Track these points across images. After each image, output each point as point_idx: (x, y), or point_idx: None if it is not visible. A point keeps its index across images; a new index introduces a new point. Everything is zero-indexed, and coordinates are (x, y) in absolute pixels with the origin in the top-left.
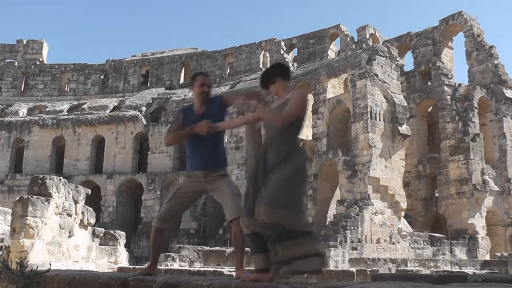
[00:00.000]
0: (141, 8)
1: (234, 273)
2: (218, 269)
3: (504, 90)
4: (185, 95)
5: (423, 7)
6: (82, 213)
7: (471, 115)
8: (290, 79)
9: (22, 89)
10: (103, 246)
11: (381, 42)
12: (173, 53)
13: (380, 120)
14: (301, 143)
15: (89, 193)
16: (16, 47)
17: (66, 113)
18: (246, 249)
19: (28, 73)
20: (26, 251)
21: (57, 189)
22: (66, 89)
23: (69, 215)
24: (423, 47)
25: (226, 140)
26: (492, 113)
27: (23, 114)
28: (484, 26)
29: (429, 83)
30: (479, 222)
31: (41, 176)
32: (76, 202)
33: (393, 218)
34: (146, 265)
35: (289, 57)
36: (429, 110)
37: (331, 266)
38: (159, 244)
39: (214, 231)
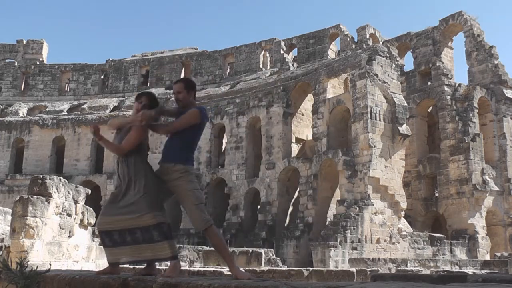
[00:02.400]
0: (141, 8)
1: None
2: (218, 269)
3: (504, 90)
4: None
5: (423, 7)
6: (82, 213)
7: (471, 115)
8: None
9: (22, 89)
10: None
11: (381, 42)
12: (173, 53)
13: (380, 120)
14: (301, 143)
15: (89, 193)
16: (16, 47)
17: (66, 113)
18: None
19: (28, 73)
20: (26, 251)
21: (57, 189)
22: (66, 89)
23: (69, 215)
24: (423, 47)
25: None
26: (492, 113)
27: (23, 114)
28: (484, 26)
29: (429, 83)
30: (479, 222)
31: (41, 176)
32: (76, 202)
33: (393, 218)
34: (145, 265)
35: (289, 57)
36: (429, 110)
37: (331, 266)
38: None
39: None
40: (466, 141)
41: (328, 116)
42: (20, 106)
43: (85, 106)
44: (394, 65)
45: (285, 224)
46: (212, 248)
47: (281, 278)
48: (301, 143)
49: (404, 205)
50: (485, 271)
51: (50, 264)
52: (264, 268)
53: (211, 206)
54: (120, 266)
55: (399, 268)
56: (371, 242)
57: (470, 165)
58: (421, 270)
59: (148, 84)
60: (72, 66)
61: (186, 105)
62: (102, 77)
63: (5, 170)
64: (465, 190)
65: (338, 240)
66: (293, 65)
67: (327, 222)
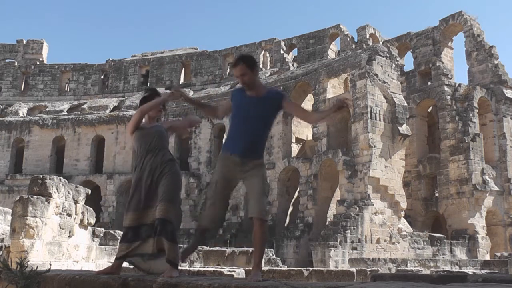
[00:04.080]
0: (141, 8)
1: (234, 273)
2: (218, 269)
3: (504, 90)
4: None
5: (423, 7)
6: (82, 213)
7: (471, 115)
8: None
9: (22, 89)
10: (103, 246)
11: (381, 42)
12: (173, 53)
13: (380, 120)
14: (301, 143)
15: (89, 193)
16: (16, 47)
17: (66, 113)
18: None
19: (28, 73)
20: (26, 251)
21: (57, 189)
22: (66, 89)
23: (69, 215)
24: (423, 47)
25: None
26: (492, 113)
27: (23, 114)
28: (484, 26)
29: (429, 83)
30: (479, 222)
31: (41, 176)
32: (76, 202)
33: (393, 218)
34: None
35: (289, 57)
36: (429, 110)
37: (331, 266)
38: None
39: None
40: (466, 141)
41: None
42: (20, 106)
43: (85, 106)
44: (394, 65)
45: (285, 224)
46: (212, 248)
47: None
48: (301, 143)
49: (404, 205)
50: (485, 271)
51: (50, 264)
52: (264, 268)
53: None
54: (122, 266)
55: (399, 268)
56: (371, 242)
57: (470, 165)
58: (421, 270)
59: (148, 84)
60: (72, 66)
61: (257, 86)
62: (102, 77)
63: (5, 170)
64: (465, 190)
65: (338, 240)
66: (293, 65)
67: (327, 222)
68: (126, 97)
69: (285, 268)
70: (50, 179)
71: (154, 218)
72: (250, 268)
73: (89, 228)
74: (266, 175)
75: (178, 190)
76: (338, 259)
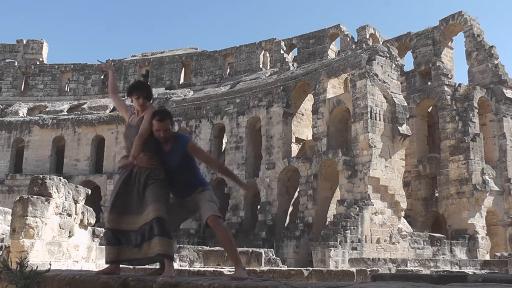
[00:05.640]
0: (141, 8)
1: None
2: (218, 269)
3: (504, 90)
4: (185, 95)
5: (423, 7)
6: (82, 213)
7: (471, 115)
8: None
9: (22, 89)
10: (103, 246)
11: (381, 42)
12: (173, 53)
13: (380, 120)
14: (301, 143)
15: (89, 193)
16: (16, 47)
17: (66, 113)
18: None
19: (28, 73)
20: (26, 251)
21: (57, 189)
22: (66, 89)
23: (69, 215)
24: (423, 47)
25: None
26: (492, 113)
27: (23, 114)
28: (484, 26)
29: (429, 83)
30: (479, 222)
31: (41, 176)
32: (76, 202)
33: (393, 218)
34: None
35: (289, 57)
36: (429, 110)
37: (331, 266)
38: None
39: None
40: (466, 141)
41: (328, 116)
42: (20, 106)
43: (85, 106)
44: (394, 65)
45: (285, 224)
46: (212, 248)
47: (281, 278)
48: (301, 143)
49: (404, 205)
50: (485, 271)
51: (50, 264)
52: (264, 268)
53: None
54: (121, 266)
55: (399, 268)
56: (371, 242)
57: (470, 165)
58: (421, 270)
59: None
60: (72, 66)
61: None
62: (102, 77)
63: (5, 170)
64: (465, 190)
65: (338, 240)
66: (293, 65)
67: (327, 222)
68: (126, 97)
69: (285, 268)
70: (50, 179)
71: (142, 223)
72: (250, 268)
73: (89, 228)
74: (211, 194)
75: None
76: (338, 259)
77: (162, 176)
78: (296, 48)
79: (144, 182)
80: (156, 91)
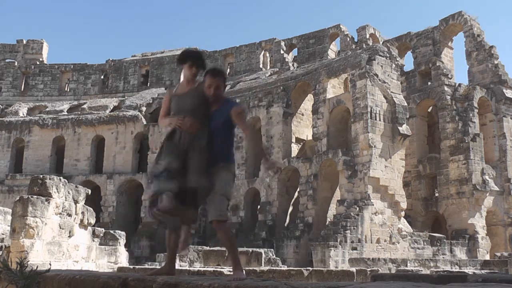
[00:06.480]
0: (141, 8)
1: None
2: (218, 269)
3: (504, 90)
4: None
5: (423, 7)
6: (82, 213)
7: (471, 115)
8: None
9: (22, 89)
10: (103, 246)
11: (381, 42)
12: (173, 53)
13: (380, 120)
14: (301, 143)
15: (89, 193)
16: (16, 47)
17: (66, 113)
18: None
19: (28, 73)
20: (26, 251)
21: (57, 189)
22: (66, 89)
23: (69, 215)
24: (423, 47)
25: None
26: (492, 113)
27: (23, 114)
28: (484, 26)
29: (429, 83)
30: (479, 222)
31: (41, 176)
32: (76, 202)
33: (393, 218)
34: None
35: (289, 57)
36: (429, 110)
37: (331, 266)
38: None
39: (214, 231)
40: (466, 141)
41: (328, 116)
42: (20, 106)
43: (85, 106)
44: (394, 65)
45: (285, 224)
46: (212, 248)
47: (281, 278)
48: (301, 143)
49: (404, 205)
50: (485, 271)
51: (50, 264)
52: (264, 268)
53: None
54: (121, 266)
55: (399, 268)
56: (371, 242)
57: (470, 165)
58: (421, 270)
59: (148, 84)
60: (72, 66)
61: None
62: (102, 77)
63: (5, 170)
64: (465, 190)
65: (338, 240)
66: (293, 65)
67: (327, 222)
68: (126, 97)
69: (285, 268)
70: (50, 179)
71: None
72: (250, 268)
73: (89, 228)
74: (229, 179)
75: None
76: (338, 259)
77: (203, 144)
78: (296, 48)
79: (186, 149)
80: (156, 91)
